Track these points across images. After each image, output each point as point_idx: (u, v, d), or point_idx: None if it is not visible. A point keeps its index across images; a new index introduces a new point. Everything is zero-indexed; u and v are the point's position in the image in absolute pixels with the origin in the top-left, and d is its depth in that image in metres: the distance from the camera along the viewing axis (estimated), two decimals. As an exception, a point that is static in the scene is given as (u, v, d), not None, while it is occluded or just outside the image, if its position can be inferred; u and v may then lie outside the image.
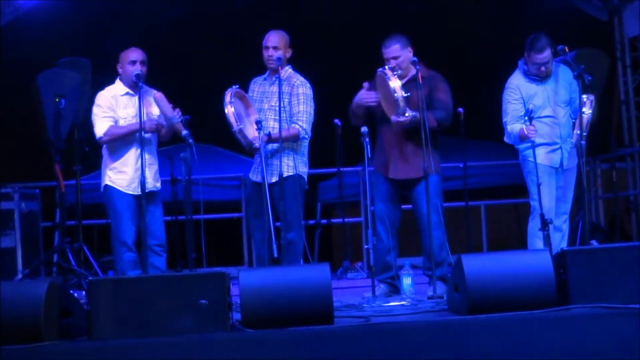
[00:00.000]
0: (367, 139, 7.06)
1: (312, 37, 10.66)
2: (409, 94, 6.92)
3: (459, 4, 11.43)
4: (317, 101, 7.22)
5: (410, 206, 7.35)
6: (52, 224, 10.17)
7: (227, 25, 11.28)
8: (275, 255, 6.61)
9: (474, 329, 5.44)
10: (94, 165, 8.14)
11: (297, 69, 7.25)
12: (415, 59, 7.04)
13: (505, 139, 7.30)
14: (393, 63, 7.12)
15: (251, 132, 6.94)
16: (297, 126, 7.06)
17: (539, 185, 6.87)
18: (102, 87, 7.28)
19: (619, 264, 5.89)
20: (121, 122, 7.11)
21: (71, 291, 6.70)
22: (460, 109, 8.18)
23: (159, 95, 7.05)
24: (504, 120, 7.22)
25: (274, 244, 6.59)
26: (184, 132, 6.89)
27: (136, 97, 7.02)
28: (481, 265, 5.97)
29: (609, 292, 5.80)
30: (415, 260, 8.11)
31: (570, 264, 5.90)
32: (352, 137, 7.40)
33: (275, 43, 7.12)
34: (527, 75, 7.19)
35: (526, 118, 6.92)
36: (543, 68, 7.11)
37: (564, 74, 7.20)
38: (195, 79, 11.22)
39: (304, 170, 7.18)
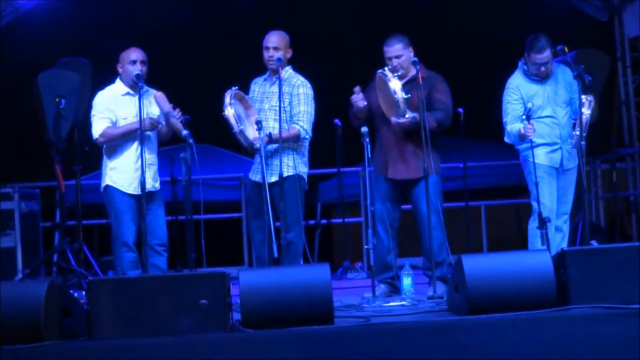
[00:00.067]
0: (367, 139, 7.07)
1: (313, 37, 10.66)
2: (409, 95, 6.93)
3: (459, 4, 11.44)
4: (317, 101, 7.22)
5: (410, 206, 7.35)
6: (52, 223, 10.17)
7: (227, 25, 11.29)
8: (276, 255, 6.61)
9: (474, 329, 5.45)
10: (94, 165, 8.14)
11: (298, 69, 7.25)
12: (415, 59, 7.05)
13: (505, 139, 7.30)
14: (395, 62, 7.13)
15: (252, 133, 6.94)
16: (297, 126, 7.06)
17: (536, 184, 6.88)
18: (102, 88, 7.28)
19: (619, 264, 5.90)
20: (121, 123, 7.10)
21: (71, 291, 6.71)
22: (461, 110, 8.19)
23: (160, 94, 7.05)
24: (504, 120, 7.22)
25: (274, 244, 6.60)
26: (185, 132, 6.88)
27: (136, 97, 7.03)
28: (481, 265, 5.97)
29: (609, 292, 5.81)
30: (415, 261, 8.10)
31: (571, 264, 5.91)
32: (352, 137, 7.40)
33: (275, 43, 7.12)
34: (527, 75, 7.20)
35: (524, 117, 6.93)
36: (543, 68, 7.12)
37: (564, 74, 7.20)
38: (196, 79, 11.22)
39: (304, 170, 7.18)
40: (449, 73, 7.44)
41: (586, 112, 6.95)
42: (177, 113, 7.00)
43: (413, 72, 7.05)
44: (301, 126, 7.07)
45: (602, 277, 5.87)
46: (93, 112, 7.15)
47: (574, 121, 7.18)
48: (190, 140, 6.85)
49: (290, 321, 5.68)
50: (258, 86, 7.30)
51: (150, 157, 7.11)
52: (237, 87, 7.04)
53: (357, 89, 7.19)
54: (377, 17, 11.23)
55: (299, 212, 7.06)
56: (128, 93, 7.16)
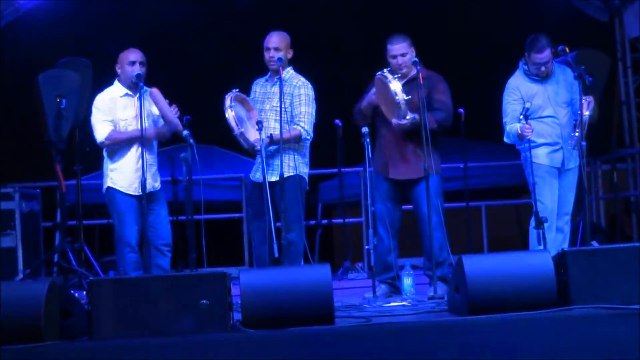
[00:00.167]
0: (367, 140, 7.07)
1: (313, 37, 10.66)
2: (410, 96, 6.93)
3: (459, 4, 11.44)
4: (318, 102, 7.22)
5: (411, 207, 7.35)
6: (53, 224, 10.17)
7: (227, 25, 11.29)
8: (277, 255, 6.61)
9: (475, 330, 5.45)
10: (95, 165, 8.14)
11: (298, 69, 7.25)
12: (416, 59, 7.05)
13: (505, 140, 7.30)
14: (400, 60, 7.15)
15: (252, 134, 6.94)
16: (298, 127, 7.06)
17: (533, 185, 6.89)
18: (103, 88, 7.28)
19: (620, 265, 5.89)
20: (121, 124, 7.10)
21: (72, 291, 6.71)
22: (461, 110, 8.19)
23: (155, 91, 7.05)
24: (504, 120, 7.23)
25: (274, 244, 6.60)
26: (185, 132, 6.89)
27: (135, 98, 7.03)
28: (482, 265, 5.97)
29: (610, 293, 5.81)
30: (416, 261, 8.11)
31: (571, 264, 5.91)
32: (353, 138, 7.40)
33: (276, 44, 7.12)
34: (528, 75, 7.20)
35: (521, 117, 6.93)
36: (543, 68, 7.12)
37: (565, 74, 7.21)
38: (197, 80, 11.22)
39: (305, 170, 7.18)
40: (449, 73, 7.44)
41: (585, 113, 6.95)
42: (173, 109, 7.01)
43: (414, 72, 7.05)
44: (302, 127, 7.07)
45: (603, 277, 5.86)
46: (94, 116, 7.14)
47: (574, 122, 7.19)
48: (191, 141, 6.86)
49: (290, 321, 5.68)
50: (259, 87, 7.30)
51: (150, 157, 7.11)
52: (237, 89, 7.04)
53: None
54: (377, 17, 11.24)
55: (300, 212, 7.06)
56: (127, 94, 7.16)
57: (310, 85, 7.19)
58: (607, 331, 5.09)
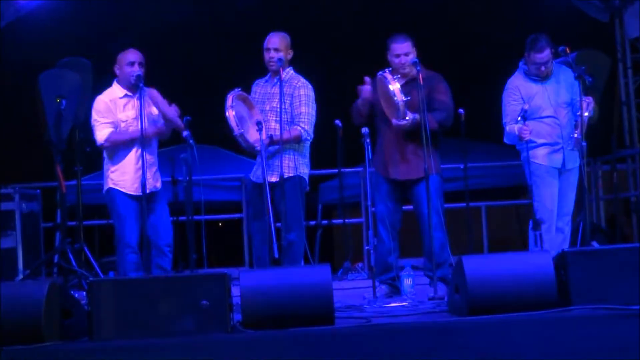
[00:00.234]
0: (367, 140, 7.07)
1: (314, 38, 10.66)
2: (408, 98, 6.93)
3: (459, 4, 11.44)
4: (318, 102, 7.22)
5: (411, 207, 7.35)
6: (53, 224, 10.17)
7: (227, 25, 11.29)
8: (277, 255, 6.61)
9: (475, 330, 5.45)
10: (95, 166, 8.14)
11: (298, 70, 7.25)
12: (416, 59, 7.06)
13: (505, 140, 7.31)
14: (404, 59, 7.15)
15: (253, 135, 6.94)
16: (298, 128, 7.06)
17: (530, 186, 6.89)
18: (103, 88, 7.28)
19: (620, 265, 5.89)
20: (122, 125, 7.10)
21: (72, 292, 6.71)
22: (461, 110, 8.18)
23: (153, 91, 7.05)
24: (504, 121, 7.23)
25: (275, 244, 6.59)
26: (185, 132, 6.89)
27: (135, 99, 7.03)
28: (482, 266, 5.98)
29: (610, 293, 5.81)
30: (416, 261, 8.10)
31: (571, 265, 5.91)
32: (353, 138, 7.40)
33: (276, 45, 7.12)
34: (528, 75, 7.20)
35: (519, 118, 6.93)
36: (543, 68, 7.12)
37: (565, 74, 7.21)
38: (197, 80, 11.23)
39: (305, 171, 7.18)
40: (449, 73, 7.44)
41: (585, 113, 6.95)
42: (173, 108, 7.01)
43: (414, 72, 7.05)
44: (302, 127, 7.07)
45: (603, 278, 5.87)
46: (94, 118, 7.14)
47: (575, 122, 7.19)
48: (191, 141, 6.86)
49: (291, 322, 5.69)
50: (259, 87, 7.30)
51: (150, 158, 7.11)
52: (240, 88, 7.04)
53: (367, 79, 7.19)
54: (378, 17, 11.24)
55: (300, 213, 7.06)
56: (126, 95, 7.16)
57: (310, 86, 7.18)
58: (607, 331, 5.09)
